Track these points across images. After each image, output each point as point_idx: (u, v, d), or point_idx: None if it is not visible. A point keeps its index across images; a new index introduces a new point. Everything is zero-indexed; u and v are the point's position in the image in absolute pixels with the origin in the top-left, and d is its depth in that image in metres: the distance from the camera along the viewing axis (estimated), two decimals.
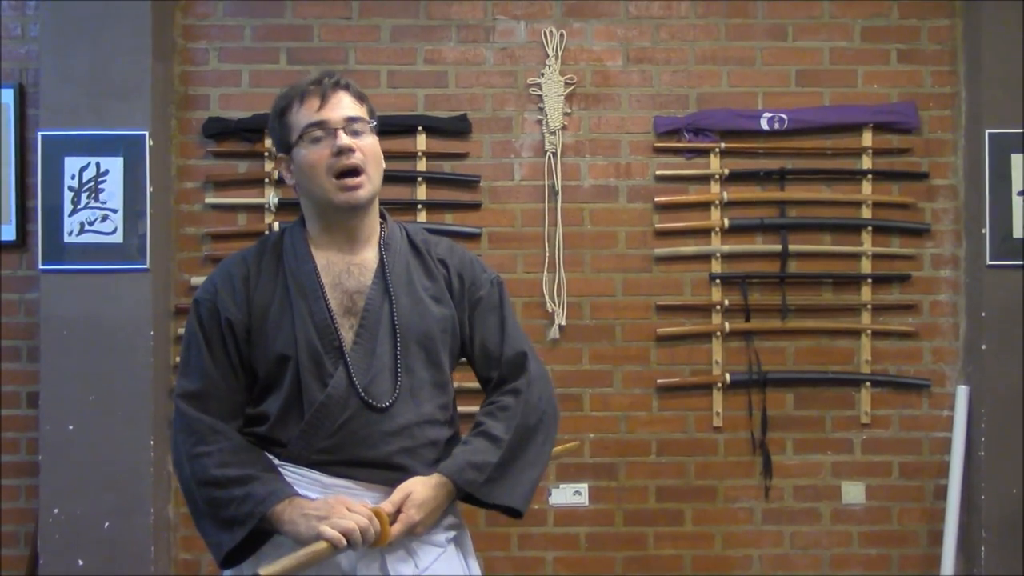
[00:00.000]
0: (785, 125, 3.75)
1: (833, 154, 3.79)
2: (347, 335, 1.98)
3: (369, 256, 2.06)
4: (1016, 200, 3.62)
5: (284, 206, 3.68)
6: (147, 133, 3.53)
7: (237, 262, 2.05)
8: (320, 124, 1.96)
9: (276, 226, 3.65)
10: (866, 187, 3.78)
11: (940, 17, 3.79)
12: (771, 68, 3.79)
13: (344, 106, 1.98)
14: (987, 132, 3.61)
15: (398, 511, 1.89)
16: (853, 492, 3.76)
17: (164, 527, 3.62)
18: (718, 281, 3.75)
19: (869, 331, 3.75)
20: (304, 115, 1.97)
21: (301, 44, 3.75)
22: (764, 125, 3.75)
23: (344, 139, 1.95)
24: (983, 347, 3.62)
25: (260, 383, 2.00)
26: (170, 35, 3.70)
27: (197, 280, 3.68)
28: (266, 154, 3.69)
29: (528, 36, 3.78)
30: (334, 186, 1.96)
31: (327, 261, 2.03)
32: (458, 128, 3.74)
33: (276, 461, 1.96)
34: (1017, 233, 3.61)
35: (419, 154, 3.72)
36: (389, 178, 3.65)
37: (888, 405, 3.78)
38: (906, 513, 3.78)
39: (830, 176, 3.79)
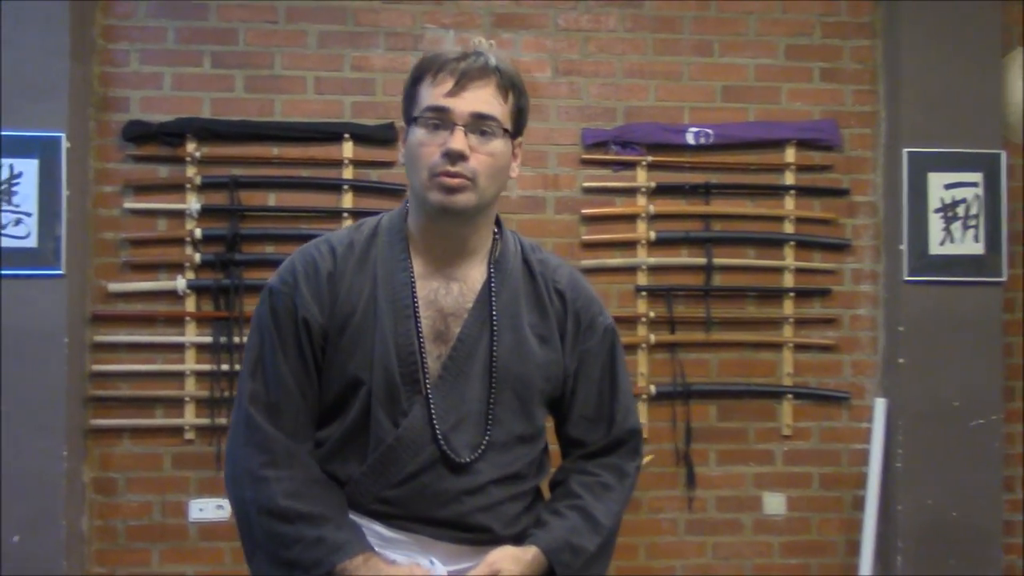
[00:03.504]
0: (711, 140, 3.79)
1: (757, 169, 3.83)
2: (432, 366, 1.67)
3: (475, 273, 1.73)
4: (932, 217, 3.69)
5: (207, 212, 3.60)
6: (64, 135, 3.42)
7: (324, 253, 1.71)
8: (441, 112, 1.64)
9: (198, 232, 3.57)
10: (789, 203, 3.83)
11: (861, 38, 3.87)
12: (697, 83, 3.83)
13: (478, 99, 1.65)
14: (905, 151, 3.69)
15: None
16: (774, 503, 3.81)
17: (77, 540, 3.51)
18: (644, 293, 3.77)
19: (791, 344, 3.80)
20: (431, 93, 1.66)
21: (226, 48, 3.67)
22: (690, 139, 3.79)
23: (458, 142, 1.62)
24: (900, 361, 3.69)
25: (325, 403, 1.71)
26: (89, 35, 3.60)
27: (115, 287, 3.58)
28: (187, 159, 3.61)
29: (456, 45, 3.75)
30: (431, 182, 1.64)
31: (424, 270, 1.71)
32: (385, 136, 3.69)
33: None
34: (933, 249, 3.69)
35: (345, 162, 3.67)
36: (313, 186, 3.69)
37: (809, 417, 3.83)
38: (825, 523, 3.84)
39: (754, 191, 3.84)
